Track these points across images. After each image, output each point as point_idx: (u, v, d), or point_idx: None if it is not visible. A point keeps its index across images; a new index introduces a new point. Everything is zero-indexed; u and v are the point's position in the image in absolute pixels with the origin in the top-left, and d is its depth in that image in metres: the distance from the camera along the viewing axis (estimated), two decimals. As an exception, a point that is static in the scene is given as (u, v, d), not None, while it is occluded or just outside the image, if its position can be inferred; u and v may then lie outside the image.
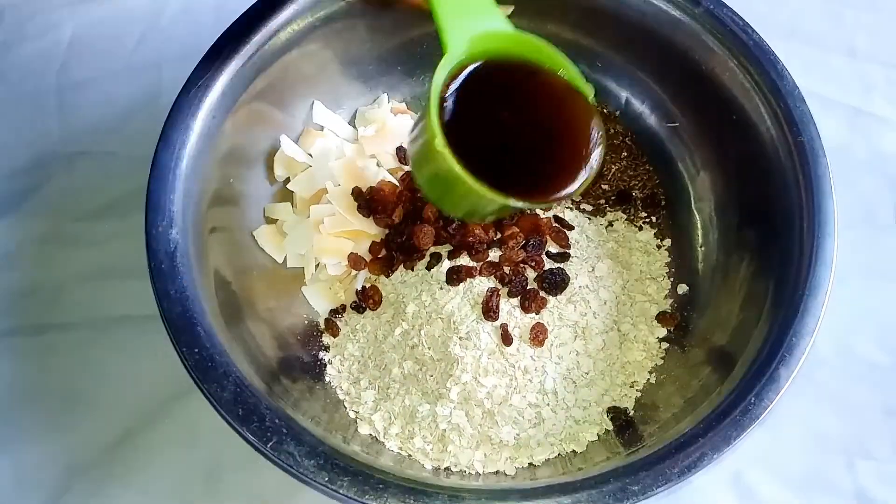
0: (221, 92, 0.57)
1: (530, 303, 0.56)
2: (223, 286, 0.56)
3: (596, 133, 0.49)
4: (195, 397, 0.57)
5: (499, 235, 0.59)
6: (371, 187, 0.62)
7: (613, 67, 0.67)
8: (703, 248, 0.63)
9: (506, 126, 0.49)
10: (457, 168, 0.45)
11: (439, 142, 0.45)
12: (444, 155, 0.45)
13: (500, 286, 0.57)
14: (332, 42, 0.63)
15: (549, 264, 0.59)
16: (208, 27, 0.70)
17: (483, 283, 0.57)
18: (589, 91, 0.50)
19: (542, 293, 0.57)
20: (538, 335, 0.56)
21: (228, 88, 0.57)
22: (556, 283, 0.58)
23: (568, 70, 0.50)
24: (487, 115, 0.49)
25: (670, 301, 0.62)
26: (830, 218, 0.54)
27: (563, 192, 0.49)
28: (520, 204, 0.47)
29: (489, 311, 0.56)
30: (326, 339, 0.61)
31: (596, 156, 0.49)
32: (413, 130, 0.51)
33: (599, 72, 0.68)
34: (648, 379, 0.59)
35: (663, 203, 0.66)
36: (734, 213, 0.62)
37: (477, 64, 0.49)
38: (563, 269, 0.58)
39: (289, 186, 0.63)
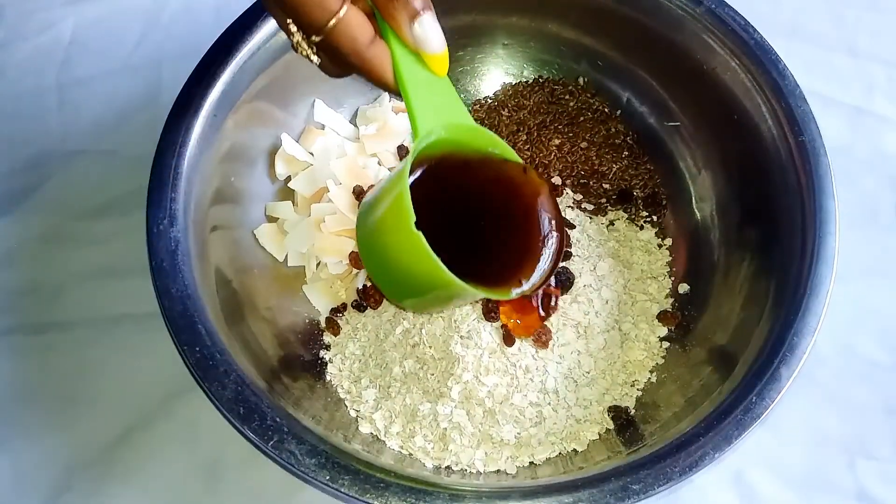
0: (222, 90, 0.57)
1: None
2: (224, 284, 0.56)
3: (549, 225, 0.50)
4: (196, 396, 0.58)
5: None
6: (372, 186, 0.62)
7: (614, 67, 0.67)
8: (704, 248, 0.63)
9: (464, 219, 0.49)
10: (426, 248, 0.43)
11: (412, 224, 0.43)
12: (418, 237, 0.43)
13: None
14: (333, 41, 0.62)
15: (550, 264, 0.59)
16: (209, 26, 0.70)
17: (484, 282, 0.57)
18: (544, 184, 0.51)
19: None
20: (541, 336, 0.55)
21: (229, 87, 0.57)
22: (562, 282, 0.57)
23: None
24: (445, 209, 0.49)
25: (671, 300, 0.62)
26: (832, 217, 0.53)
27: (520, 289, 0.48)
28: (480, 294, 0.46)
29: (489, 311, 0.55)
30: (327, 337, 0.61)
31: (548, 255, 0.49)
32: (370, 206, 0.49)
33: (600, 71, 0.68)
34: (649, 378, 0.59)
35: (664, 202, 0.66)
36: (735, 212, 0.61)
37: (437, 158, 0.48)
38: (568, 269, 0.58)
39: (290, 185, 0.63)
